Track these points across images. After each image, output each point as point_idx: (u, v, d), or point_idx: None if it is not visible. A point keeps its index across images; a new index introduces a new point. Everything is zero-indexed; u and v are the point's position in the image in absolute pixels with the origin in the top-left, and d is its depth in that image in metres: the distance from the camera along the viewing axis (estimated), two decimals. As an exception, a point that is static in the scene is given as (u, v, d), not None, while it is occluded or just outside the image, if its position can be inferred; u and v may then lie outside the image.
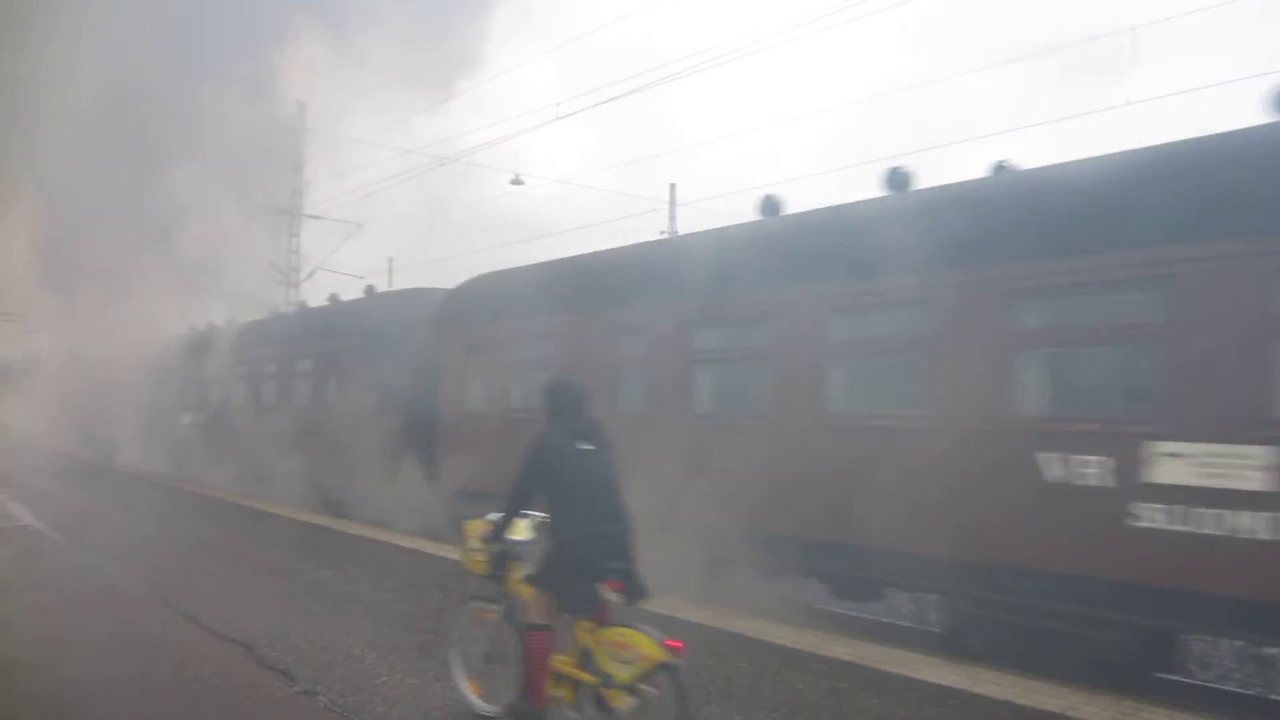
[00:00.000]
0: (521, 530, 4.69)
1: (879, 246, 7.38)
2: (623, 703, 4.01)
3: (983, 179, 7.81)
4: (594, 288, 10.80)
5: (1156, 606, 5.93)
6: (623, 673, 4.00)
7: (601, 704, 4.11)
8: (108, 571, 9.41)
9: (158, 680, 5.69)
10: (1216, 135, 6.34)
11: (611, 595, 4.19)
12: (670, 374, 9.40)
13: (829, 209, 8.82)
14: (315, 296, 27.05)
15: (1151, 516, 5.93)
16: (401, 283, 44.31)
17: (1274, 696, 7.40)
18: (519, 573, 4.64)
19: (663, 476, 8.07)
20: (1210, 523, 5.68)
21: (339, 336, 15.84)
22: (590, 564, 4.18)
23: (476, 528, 4.95)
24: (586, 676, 4.19)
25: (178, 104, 19.55)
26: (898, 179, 8.42)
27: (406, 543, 11.03)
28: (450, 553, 9.36)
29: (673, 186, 34.43)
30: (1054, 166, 7.20)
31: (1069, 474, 6.35)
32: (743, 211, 10.71)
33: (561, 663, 4.33)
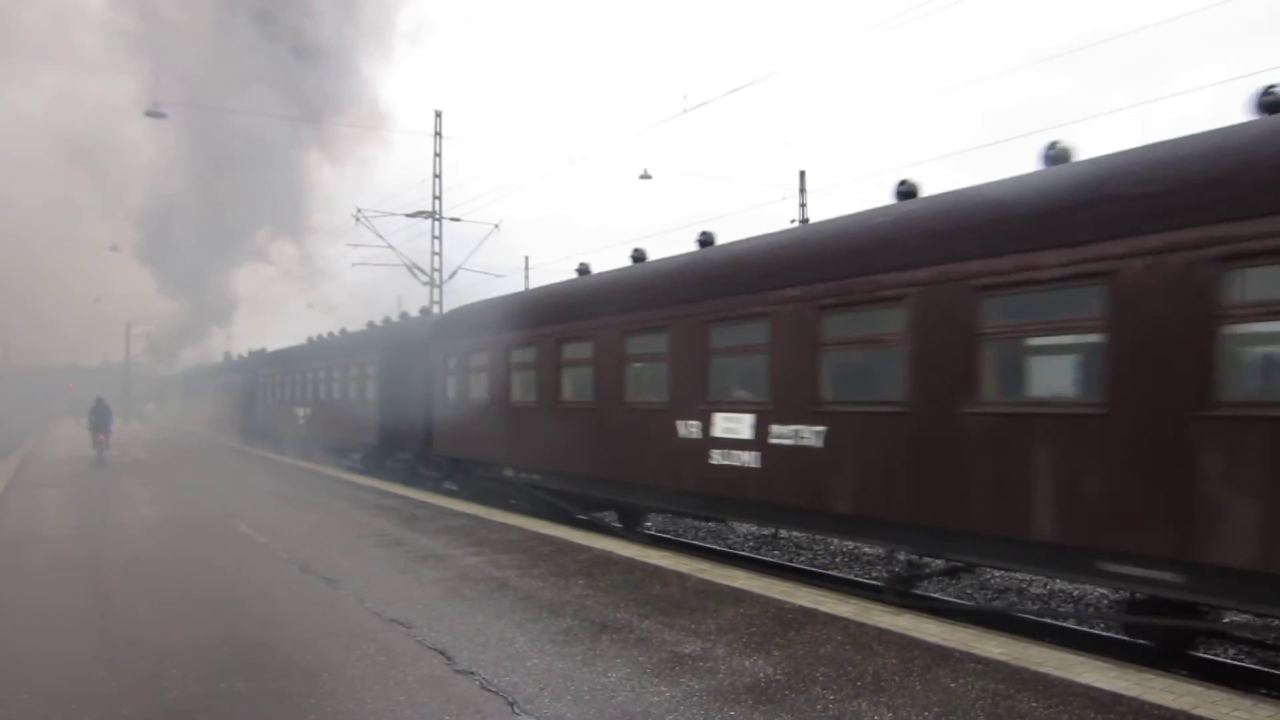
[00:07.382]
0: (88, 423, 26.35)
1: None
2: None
3: None
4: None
5: None
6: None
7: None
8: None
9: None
10: None
11: (101, 432, 25.41)
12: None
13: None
14: (452, 298, 28.11)
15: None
16: (539, 280, 45.30)
17: None
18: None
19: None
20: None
21: None
22: (94, 422, 25.45)
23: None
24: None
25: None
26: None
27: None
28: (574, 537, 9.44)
29: (802, 174, 33.66)
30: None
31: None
32: (875, 196, 10.34)
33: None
